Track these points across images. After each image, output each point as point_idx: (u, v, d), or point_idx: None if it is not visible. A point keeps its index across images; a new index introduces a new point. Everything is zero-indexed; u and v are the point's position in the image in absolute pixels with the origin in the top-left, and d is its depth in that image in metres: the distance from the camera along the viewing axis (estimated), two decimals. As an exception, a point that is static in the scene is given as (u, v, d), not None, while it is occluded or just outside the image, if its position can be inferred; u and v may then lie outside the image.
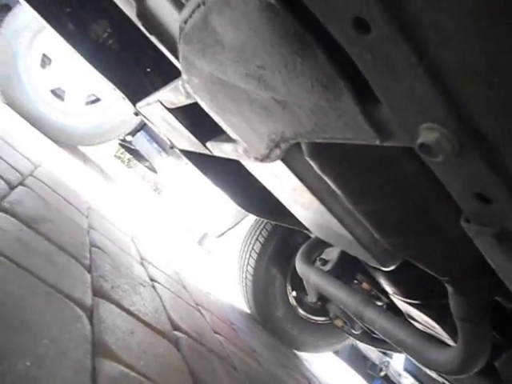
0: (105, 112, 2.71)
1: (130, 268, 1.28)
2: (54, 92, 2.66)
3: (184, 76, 0.72)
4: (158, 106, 1.21)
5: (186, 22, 0.57)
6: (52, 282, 0.78)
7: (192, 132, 1.14)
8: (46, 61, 2.60)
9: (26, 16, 2.42)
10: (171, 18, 1.16)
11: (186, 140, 1.29)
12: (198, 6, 0.50)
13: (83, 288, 0.86)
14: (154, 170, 3.85)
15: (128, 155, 4.38)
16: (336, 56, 0.40)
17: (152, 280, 1.36)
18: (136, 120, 2.70)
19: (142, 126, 3.02)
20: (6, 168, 1.18)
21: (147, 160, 3.62)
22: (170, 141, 1.58)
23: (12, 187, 1.06)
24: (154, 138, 3.19)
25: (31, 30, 2.48)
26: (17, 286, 0.69)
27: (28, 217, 0.93)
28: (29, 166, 1.44)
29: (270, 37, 0.42)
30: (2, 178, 1.06)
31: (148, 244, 1.92)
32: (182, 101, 0.94)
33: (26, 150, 1.64)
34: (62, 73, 2.62)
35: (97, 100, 2.72)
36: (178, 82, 0.89)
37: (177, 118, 1.13)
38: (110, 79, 1.63)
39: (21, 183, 1.15)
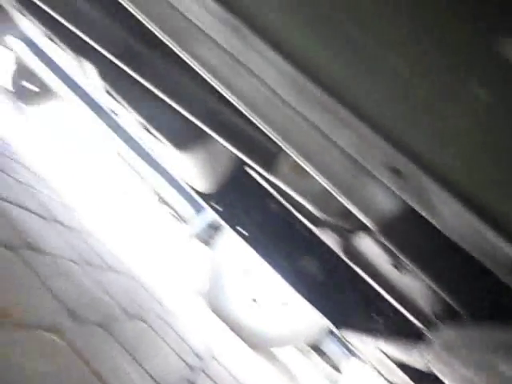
0: (293, 316, 2.85)
1: None
2: (251, 298, 2.93)
3: (434, 364, 0.74)
4: (375, 348, 1.24)
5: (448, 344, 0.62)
6: None
7: (413, 380, 1.11)
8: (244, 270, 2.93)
9: (232, 237, 2.85)
10: (379, 259, 1.24)
11: (401, 380, 1.26)
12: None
13: None
14: (337, 370, 3.74)
15: (310, 349, 4.34)
16: None
17: None
18: (323, 325, 2.76)
19: (330, 331, 3.06)
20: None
21: (331, 359, 3.56)
22: (376, 369, 1.56)
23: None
24: (342, 343, 3.18)
25: (236, 251, 2.89)
26: None
27: None
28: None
29: None
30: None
31: None
32: (414, 364, 0.95)
33: (235, 367, 1.77)
34: (258, 281, 2.91)
35: (285, 304, 2.90)
36: (413, 350, 0.91)
37: (398, 367, 1.13)
38: (309, 301, 1.74)
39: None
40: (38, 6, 1.32)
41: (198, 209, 3.16)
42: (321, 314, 1.70)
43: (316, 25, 0.38)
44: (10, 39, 3.13)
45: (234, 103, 0.69)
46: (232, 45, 0.52)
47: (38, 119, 4.26)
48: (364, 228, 0.98)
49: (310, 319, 2.81)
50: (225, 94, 0.70)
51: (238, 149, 0.97)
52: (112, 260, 1.78)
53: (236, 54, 0.51)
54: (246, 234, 1.90)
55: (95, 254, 1.60)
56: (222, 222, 1.88)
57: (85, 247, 1.55)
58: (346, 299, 1.72)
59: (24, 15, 1.54)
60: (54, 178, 2.34)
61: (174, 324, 1.85)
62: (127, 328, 1.18)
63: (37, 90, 4.45)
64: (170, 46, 0.66)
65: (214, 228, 3.14)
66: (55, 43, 1.57)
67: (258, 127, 0.72)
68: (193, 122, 1.11)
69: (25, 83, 4.52)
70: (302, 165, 0.59)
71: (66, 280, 1.06)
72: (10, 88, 4.58)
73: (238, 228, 1.86)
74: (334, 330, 1.67)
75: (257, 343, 2.87)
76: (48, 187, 1.93)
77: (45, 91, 4.29)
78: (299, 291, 1.75)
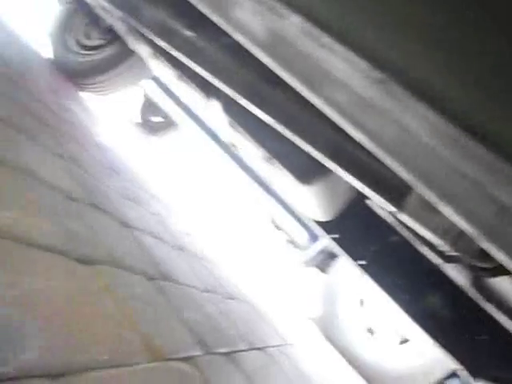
0: (414, 354, 2.68)
1: None
2: (367, 329, 2.82)
3: None
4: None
5: None
6: None
7: None
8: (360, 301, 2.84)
9: (348, 265, 2.79)
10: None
11: None
12: None
13: None
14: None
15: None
16: None
17: None
18: (446, 366, 2.55)
19: (454, 373, 2.82)
20: None
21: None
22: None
23: None
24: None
25: (352, 279, 2.82)
26: None
27: None
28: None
29: None
30: None
31: None
32: None
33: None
34: (374, 313, 2.80)
35: (405, 341, 2.74)
36: None
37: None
38: (434, 339, 1.62)
39: None
40: (171, 54, 1.45)
41: (314, 235, 3.15)
42: (447, 355, 1.58)
43: (481, 83, 0.36)
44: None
45: (372, 149, 0.68)
46: (367, 91, 0.52)
47: (163, 149, 4.62)
48: (507, 272, 0.90)
49: (433, 358, 2.62)
50: (355, 137, 0.70)
51: (365, 184, 0.95)
52: (230, 287, 1.84)
53: (371, 100, 0.50)
54: (364, 262, 1.85)
55: (216, 280, 1.67)
56: (339, 250, 1.86)
57: (207, 274, 1.62)
58: (478, 342, 1.58)
59: (158, 60, 1.69)
60: (178, 205, 2.51)
61: (290, 353, 1.85)
62: (249, 358, 1.21)
63: (162, 120, 4.85)
64: (299, 91, 0.68)
65: (329, 254, 3.10)
66: (183, 82, 1.70)
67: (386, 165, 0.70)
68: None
69: (151, 116, 4.95)
70: (444, 211, 0.56)
71: (194, 309, 1.11)
72: (138, 120, 5.04)
73: (356, 256, 1.82)
74: (462, 373, 1.54)
75: (373, 378, 2.74)
76: (174, 215, 2.07)
77: (169, 123, 4.65)
78: (422, 327, 1.64)
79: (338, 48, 0.47)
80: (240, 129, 1.44)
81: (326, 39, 0.48)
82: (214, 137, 3.11)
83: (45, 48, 2.74)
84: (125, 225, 1.20)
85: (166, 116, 4.51)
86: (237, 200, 4.02)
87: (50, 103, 1.71)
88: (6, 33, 2.33)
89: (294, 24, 0.51)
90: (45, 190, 0.90)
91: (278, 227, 3.77)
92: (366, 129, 0.57)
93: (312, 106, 0.78)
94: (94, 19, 2.59)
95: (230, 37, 0.95)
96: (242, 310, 1.65)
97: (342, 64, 0.49)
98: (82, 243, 0.83)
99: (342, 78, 0.51)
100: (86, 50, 2.65)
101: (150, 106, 4.94)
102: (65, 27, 2.73)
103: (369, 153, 0.75)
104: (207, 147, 3.25)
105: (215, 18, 0.82)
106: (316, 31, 0.49)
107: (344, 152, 0.98)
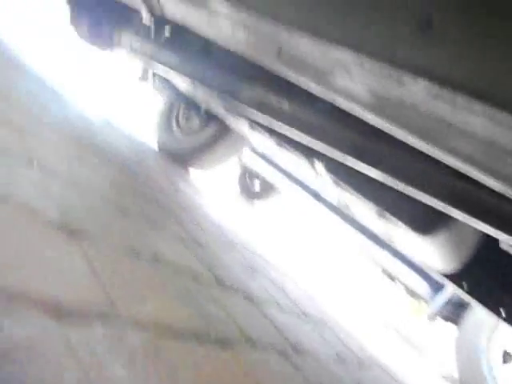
0: None
1: None
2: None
3: None
4: None
5: None
6: None
7: None
8: (506, 357, 2.53)
9: (482, 312, 2.53)
10: None
11: None
12: None
13: None
14: None
15: None
16: None
17: None
18: None
19: None
20: None
21: None
22: None
23: None
24: None
25: (489, 326, 2.54)
26: None
27: None
28: None
29: None
30: None
31: None
32: None
33: None
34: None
35: None
36: None
37: None
38: None
39: None
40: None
41: (436, 284, 2.93)
42: None
43: None
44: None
45: (497, 189, 0.64)
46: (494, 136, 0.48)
47: (266, 215, 4.71)
48: None
49: None
50: (483, 181, 0.65)
51: (501, 230, 0.87)
52: (360, 351, 1.75)
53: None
54: (504, 314, 1.66)
55: (345, 346, 1.59)
56: (472, 301, 1.69)
57: (335, 340, 1.56)
58: None
59: (257, 131, 1.76)
60: (292, 269, 2.49)
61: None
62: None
63: (260, 187, 5.00)
64: (416, 144, 0.66)
65: (458, 304, 2.84)
66: (283, 148, 1.74)
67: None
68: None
69: (249, 184, 5.13)
70: None
71: (331, 383, 1.07)
72: (238, 189, 5.25)
73: (494, 306, 1.64)
74: None
75: None
76: (290, 280, 2.05)
77: (267, 189, 4.77)
78: None
79: (476, 106, 0.45)
80: (347, 186, 1.43)
81: (461, 99, 0.45)
82: (316, 196, 3.11)
83: (152, 140, 3.01)
84: (249, 298, 1.21)
85: (263, 182, 4.64)
86: (346, 255, 3.91)
87: (165, 189, 1.84)
88: (121, 134, 2.60)
89: (419, 89, 0.50)
90: (176, 275, 0.95)
91: (393, 278, 3.58)
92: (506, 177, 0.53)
93: (428, 157, 0.74)
94: (192, 106, 2.81)
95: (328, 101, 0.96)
96: (376, 378, 1.55)
97: (479, 120, 0.46)
98: (218, 325, 0.84)
99: (476, 132, 0.49)
100: (188, 133, 2.86)
101: (247, 175, 5.14)
102: (167, 118, 3.00)
103: (501, 197, 0.69)
104: (310, 207, 3.26)
105: (320, 91, 0.83)
106: (447, 93, 0.47)
107: (462, 194, 0.91)
